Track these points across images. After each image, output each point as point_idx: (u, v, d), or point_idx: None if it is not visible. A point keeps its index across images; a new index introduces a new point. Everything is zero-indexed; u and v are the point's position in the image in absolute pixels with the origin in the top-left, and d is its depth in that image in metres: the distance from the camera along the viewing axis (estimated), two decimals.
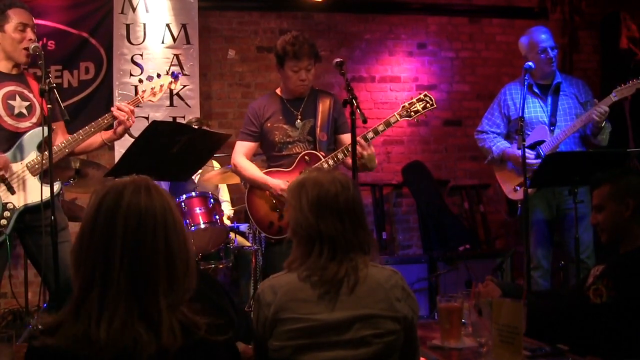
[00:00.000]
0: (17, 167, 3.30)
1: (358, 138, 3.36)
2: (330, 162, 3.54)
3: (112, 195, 1.53)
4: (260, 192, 3.62)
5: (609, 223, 2.62)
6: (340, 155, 3.55)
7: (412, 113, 3.63)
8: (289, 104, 3.67)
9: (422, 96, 3.66)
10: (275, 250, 3.59)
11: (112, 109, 3.41)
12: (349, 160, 3.57)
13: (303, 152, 3.60)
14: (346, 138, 3.62)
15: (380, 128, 3.56)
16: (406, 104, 3.65)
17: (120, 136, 3.47)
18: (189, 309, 1.53)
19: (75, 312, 1.49)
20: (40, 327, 1.51)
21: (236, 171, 3.77)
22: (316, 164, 3.55)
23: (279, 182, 3.53)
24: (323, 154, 3.59)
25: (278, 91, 3.75)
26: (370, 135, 3.53)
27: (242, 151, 3.71)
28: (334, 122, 3.70)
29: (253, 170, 3.68)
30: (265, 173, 3.64)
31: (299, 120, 3.64)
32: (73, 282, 1.54)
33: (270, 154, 3.71)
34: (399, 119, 3.61)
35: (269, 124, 3.65)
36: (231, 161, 3.77)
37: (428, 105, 3.64)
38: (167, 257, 1.52)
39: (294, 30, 3.71)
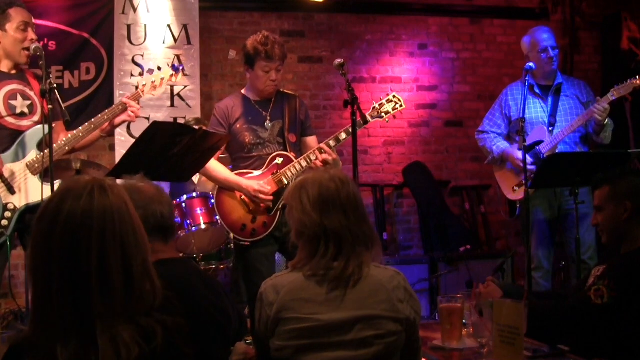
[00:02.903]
0: (18, 166, 3.29)
1: (322, 145, 3.48)
2: (303, 163, 3.51)
3: (56, 201, 1.45)
4: (231, 194, 3.56)
5: (608, 224, 2.63)
6: (312, 157, 3.51)
7: (383, 114, 3.67)
8: (258, 105, 3.63)
9: (390, 97, 3.69)
10: (252, 252, 3.52)
11: (124, 100, 3.42)
12: (318, 163, 3.49)
13: (274, 154, 3.57)
14: (312, 141, 3.66)
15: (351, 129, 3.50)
16: (376, 105, 3.68)
17: (115, 127, 3.50)
18: (146, 319, 1.45)
19: (35, 329, 1.44)
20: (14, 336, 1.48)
21: (204, 172, 3.66)
22: (288, 166, 3.53)
23: (252, 183, 3.48)
24: (294, 155, 3.57)
25: (244, 91, 3.70)
26: (332, 143, 3.51)
27: None
28: (301, 124, 3.68)
29: (223, 172, 3.61)
30: (236, 175, 3.58)
31: (268, 122, 3.60)
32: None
33: (238, 155, 3.64)
34: (370, 119, 3.55)
35: (238, 125, 3.59)
36: None
37: (397, 106, 3.68)
38: (101, 272, 1.42)
39: (264, 30, 3.68)
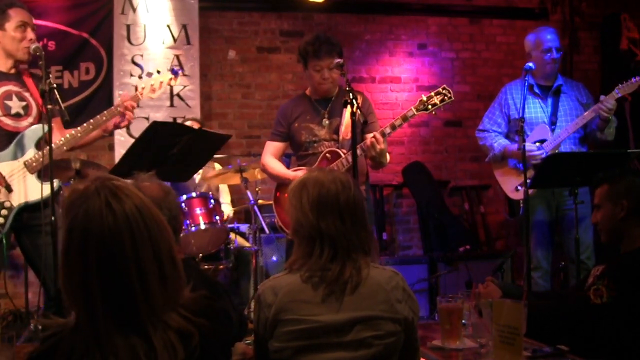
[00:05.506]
0: (15, 164, 3.30)
1: (375, 133, 3.42)
2: (350, 158, 3.53)
3: (81, 215, 1.42)
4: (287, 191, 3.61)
5: (605, 223, 2.65)
6: (358, 152, 3.49)
7: (430, 106, 3.54)
8: (317, 104, 3.70)
9: (440, 89, 3.58)
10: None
11: (120, 107, 3.42)
12: (367, 143, 3.51)
13: (325, 150, 3.62)
14: None
15: (397, 123, 3.50)
16: (424, 98, 3.57)
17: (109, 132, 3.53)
18: (181, 315, 1.46)
19: (74, 333, 1.42)
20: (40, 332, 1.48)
21: (264, 170, 3.84)
22: (336, 161, 3.56)
23: (300, 174, 3.54)
24: (344, 152, 3.58)
25: (307, 92, 3.79)
26: (388, 130, 3.49)
27: (270, 151, 3.77)
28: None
29: (278, 167, 3.74)
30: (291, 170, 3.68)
31: (325, 119, 3.65)
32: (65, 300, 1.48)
33: (298, 154, 3.76)
34: (415, 112, 3.54)
35: (296, 124, 3.68)
36: (260, 161, 3.83)
37: (446, 98, 3.56)
38: (139, 274, 1.42)
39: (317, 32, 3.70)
